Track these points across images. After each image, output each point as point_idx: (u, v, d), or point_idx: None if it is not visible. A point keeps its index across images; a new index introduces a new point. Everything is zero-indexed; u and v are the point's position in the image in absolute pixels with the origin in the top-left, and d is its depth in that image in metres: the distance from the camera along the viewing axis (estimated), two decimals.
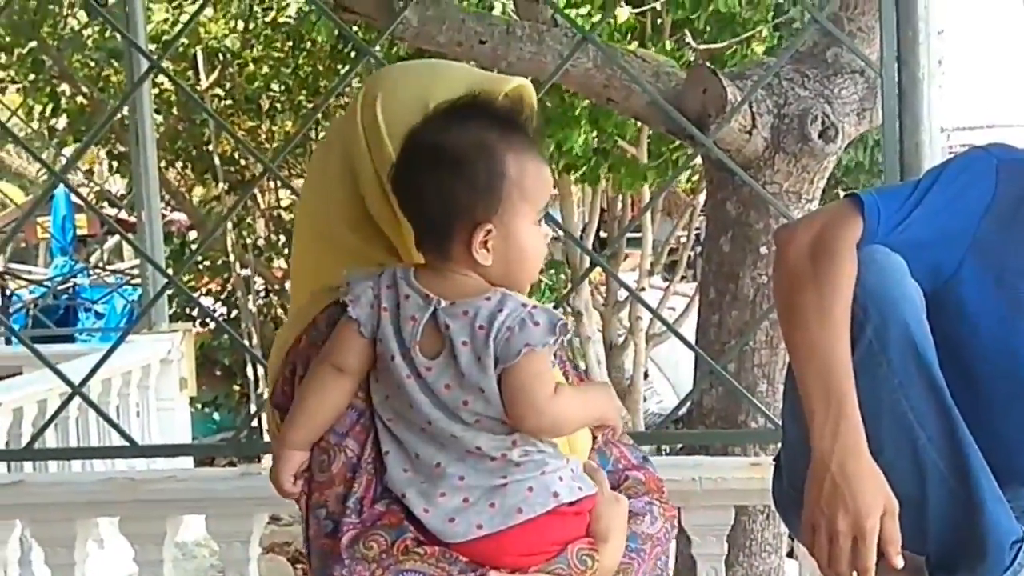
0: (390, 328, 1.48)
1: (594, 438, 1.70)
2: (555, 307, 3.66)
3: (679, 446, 4.44)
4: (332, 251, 1.60)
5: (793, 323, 1.80)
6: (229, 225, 9.08)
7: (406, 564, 1.44)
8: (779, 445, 2.08)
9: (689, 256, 9.12)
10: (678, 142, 5.75)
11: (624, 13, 5.95)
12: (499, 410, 1.46)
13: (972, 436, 1.76)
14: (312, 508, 1.52)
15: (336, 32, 7.53)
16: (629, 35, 6.07)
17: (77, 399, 3.34)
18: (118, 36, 7.08)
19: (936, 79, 2.84)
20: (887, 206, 1.83)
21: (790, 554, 3.90)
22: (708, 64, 3.78)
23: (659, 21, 6.32)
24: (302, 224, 1.71)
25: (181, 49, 8.94)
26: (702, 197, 6.89)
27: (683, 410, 3.99)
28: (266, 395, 1.78)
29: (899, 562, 1.70)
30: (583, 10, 5.88)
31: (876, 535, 1.68)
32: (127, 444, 3.32)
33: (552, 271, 7.43)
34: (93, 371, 3.24)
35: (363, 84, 1.67)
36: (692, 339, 3.91)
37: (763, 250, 3.70)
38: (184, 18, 8.26)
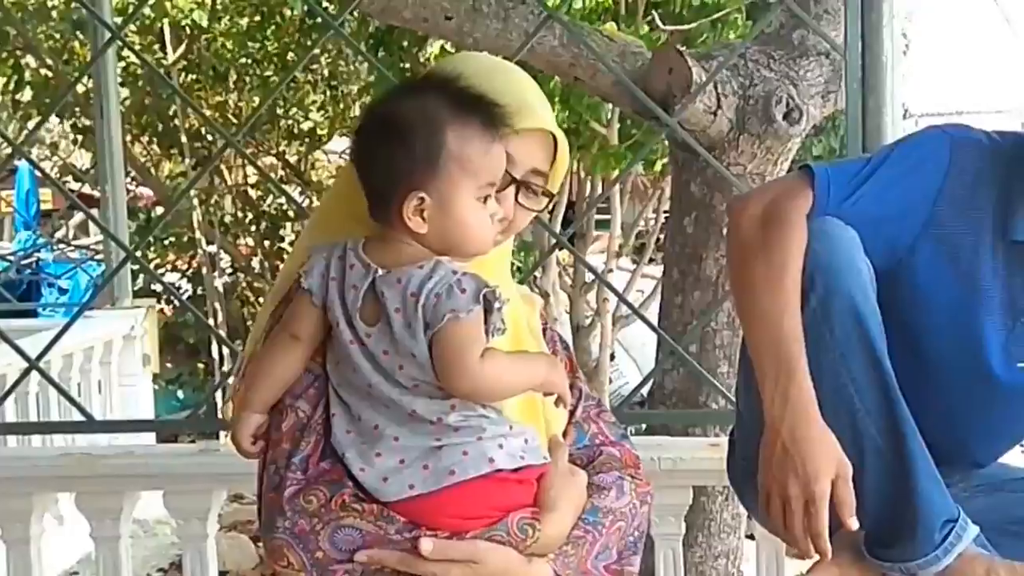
0: (336, 297, 1.54)
1: (572, 413, 1.73)
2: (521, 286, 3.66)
3: (642, 426, 4.45)
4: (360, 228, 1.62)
5: (744, 292, 1.82)
6: (196, 202, 9.02)
7: (345, 520, 1.50)
8: None
9: (658, 239, 9.12)
10: (649, 124, 5.74)
11: None
12: (431, 375, 1.50)
13: (921, 415, 1.77)
14: (266, 465, 1.58)
15: (304, 6, 7.47)
16: (603, 15, 6.05)
17: (38, 374, 3.31)
18: (83, 8, 6.98)
19: (900, 63, 2.85)
20: (838, 179, 1.84)
21: (750, 536, 3.92)
22: (675, 45, 3.77)
23: (630, 2, 6.30)
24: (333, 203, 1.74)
25: (148, 23, 8.85)
26: (671, 180, 6.89)
27: (645, 390, 4.00)
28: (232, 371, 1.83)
29: (854, 524, 1.72)
30: None
31: (827, 499, 1.70)
32: (85, 419, 3.30)
33: (522, 252, 7.42)
34: (50, 345, 3.21)
35: None
36: (655, 321, 3.91)
37: (726, 231, 3.70)
38: None
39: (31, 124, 9.52)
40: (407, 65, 7.32)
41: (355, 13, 3.37)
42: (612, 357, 8.43)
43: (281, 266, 1.84)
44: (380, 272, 1.51)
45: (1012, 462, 2.14)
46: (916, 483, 1.74)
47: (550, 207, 7.70)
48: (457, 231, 1.53)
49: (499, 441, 1.52)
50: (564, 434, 1.71)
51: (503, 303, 1.50)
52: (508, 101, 1.60)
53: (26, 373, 3.31)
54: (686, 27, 5.84)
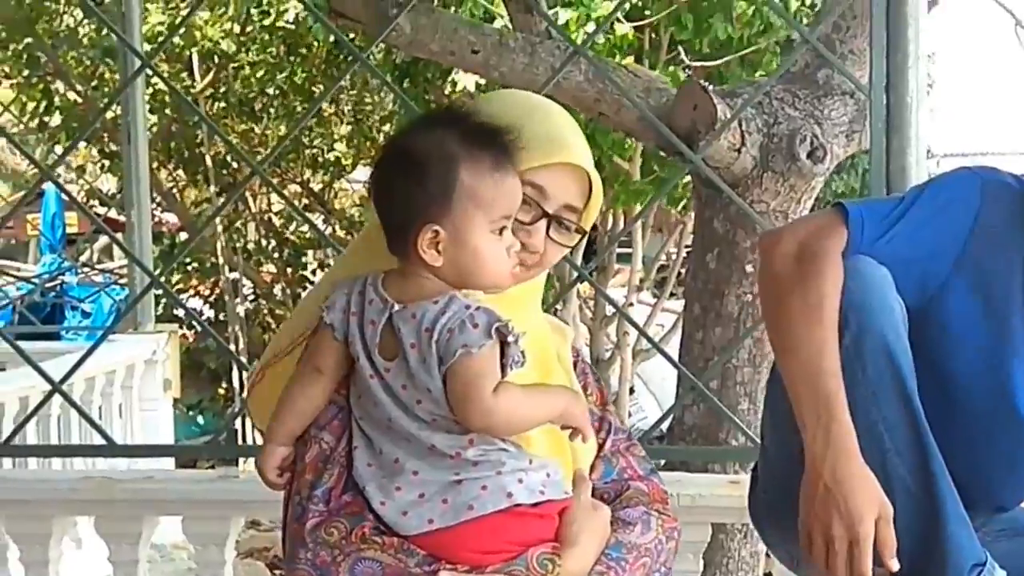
0: (356, 331, 1.56)
1: (600, 447, 1.72)
2: None
3: (661, 462, 4.44)
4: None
5: (780, 326, 1.80)
6: (219, 228, 9.07)
7: (366, 552, 1.50)
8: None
9: (679, 273, 9.12)
10: (672, 160, 5.76)
11: (623, 28, 5.96)
12: (447, 410, 1.51)
13: (946, 456, 1.76)
14: (291, 495, 1.60)
15: (331, 38, 7.53)
16: (627, 51, 6.08)
17: (60, 396, 3.33)
18: (113, 35, 7.06)
19: (925, 103, 2.85)
20: (871, 218, 1.83)
21: (767, 574, 3.90)
22: (700, 81, 3.78)
23: (654, 37, 6.33)
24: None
25: (177, 51, 8.94)
26: (694, 215, 6.90)
27: (665, 426, 3.99)
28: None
29: (894, 565, 1.70)
30: (589, 27, 5.89)
31: (871, 539, 1.68)
32: (105, 443, 3.31)
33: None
34: (74, 368, 3.23)
35: None
36: (676, 356, 3.91)
37: (749, 268, 3.70)
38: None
39: (58, 148, 9.61)
40: (432, 97, 7.37)
41: (381, 45, 3.40)
42: (631, 391, 8.42)
43: (304, 293, 1.86)
44: (396, 307, 1.53)
45: None
46: (945, 525, 1.72)
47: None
48: (472, 264, 1.54)
49: (519, 476, 1.53)
50: (592, 468, 1.71)
51: (517, 336, 1.51)
52: (542, 136, 1.62)
53: (49, 396, 3.33)
54: (712, 63, 5.86)
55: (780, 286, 1.81)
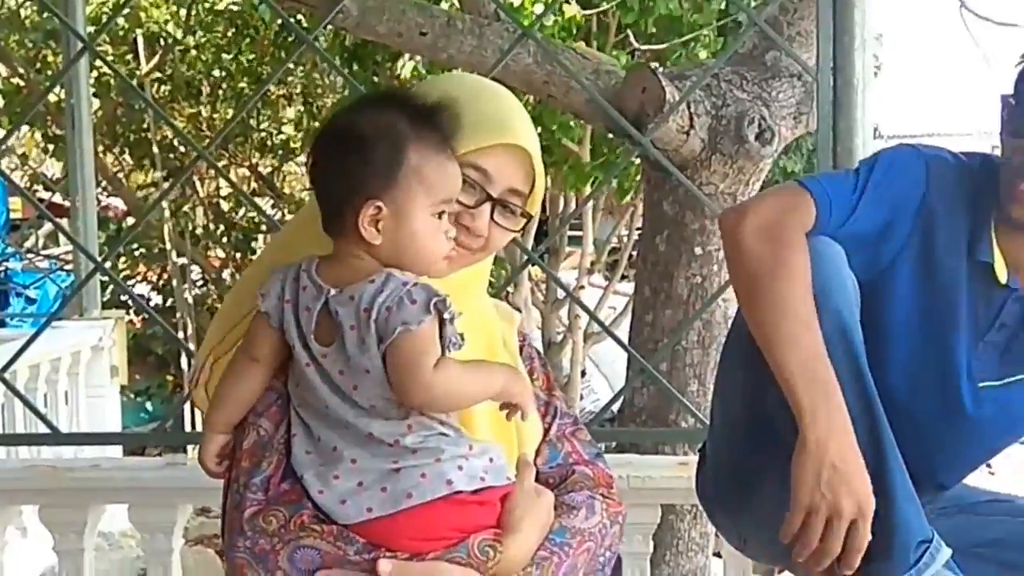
0: (292, 318, 1.54)
1: (546, 431, 1.72)
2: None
3: (611, 444, 4.45)
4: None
5: (767, 313, 1.79)
6: (167, 213, 8.98)
7: (305, 540, 1.49)
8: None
9: (630, 256, 9.15)
10: (622, 142, 5.77)
11: (572, 11, 5.96)
12: (387, 390, 1.50)
13: (894, 432, 1.77)
14: (229, 483, 1.59)
15: (278, 20, 7.46)
16: (575, 33, 6.07)
17: (2, 384, 3.28)
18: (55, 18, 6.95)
19: (872, 85, 2.87)
20: (837, 199, 1.85)
21: (716, 554, 3.92)
22: (649, 64, 3.79)
23: (604, 18, 6.33)
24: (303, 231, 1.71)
25: (122, 33, 8.82)
26: (644, 198, 6.92)
27: (615, 408, 4.01)
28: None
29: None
30: (538, 8, 5.88)
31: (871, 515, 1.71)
32: (50, 432, 3.27)
33: (494, 267, 7.41)
34: (17, 355, 3.18)
35: None
36: (627, 339, 3.92)
37: (698, 250, 3.72)
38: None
39: (1, 133, 9.46)
40: (380, 79, 7.33)
41: (329, 27, 3.36)
42: (583, 374, 8.44)
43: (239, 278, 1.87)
44: (333, 292, 1.51)
45: (977, 484, 2.16)
46: (894, 502, 1.74)
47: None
48: (410, 244, 1.53)
49: (459, 463, 1.51)
50: (537, 452, 1.71)
51: (454, 314, 1.50)
52: (487, 118, 1.61)
53: None
54: (658, 47, 5.87)
55: (755, 270, 1.81)
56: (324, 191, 1.57)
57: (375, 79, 7.26)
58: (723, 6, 6.45)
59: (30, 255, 11.31)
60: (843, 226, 1.83)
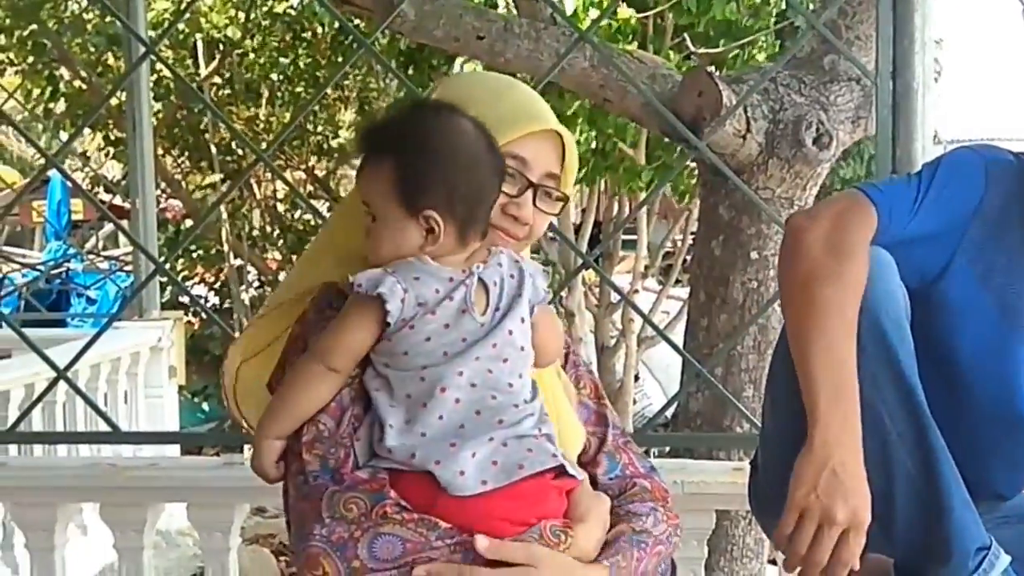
0: (431, 309, 1.56)
1: (602, 442, 1.76)
2: None
3: (665, 448, 4.44)
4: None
5: (809, 314, 1.78)
6: (224, 215, 9.07)
7: (384, 527, 1.49)
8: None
9: (684, 260, 9.11)
10: (676, 145, 5.75)
11: (627, 14, 5.95)
12: (527, 364, 1.59)
13: (949, 443, 1.75)
14: (292, 476, 1.59)
15: (336, 23, 7.52)
16: (631, 36, 6.06)
17: (65, 383, 3.33)
18: (118, 22, 7.06)
19: (932, 89, 2.84)
20: (898, 207, 1.84)
21: (772, 561, 3.90)
22: (705, 67, 3.77)
23: (660, 22, 6.31)
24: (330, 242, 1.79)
25: (182, 37, 8.92)
26: (699, 202, 6.89)
27: (669, 413, 3.99)
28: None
29: (858, 564, 1.71)
30: (594, 13, 5.88)
31: (865, 530, 1.69)
32: (111, 430, 3.32)
33: (547, 270, 7.43)
34: (78, 355, 3.23)
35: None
36: (681, 343, 3.90)
37: (754, 255, 3.70)
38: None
39: (63, 135, 9.61)
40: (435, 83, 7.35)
41: (386, 31, 3.38)
42: (636, 378, 8.42)
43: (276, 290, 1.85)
44: (479, 268, 1.59)
45: None
46: (949, 509, 1.72)
47: (564, 216, 7.57)
48: None
49: (552, 439, 1.57)
50: (596, 462, 1.75)
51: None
52: (518, 109, 1.69)
53: (54, 383, 3.33)
54: (715, 50, 5.84)
55: (814, 274, 1.80)
56: (468, 199, 1.65)
57: (431, 83, 7.29)
58: (780, 9, 6.41)
59: (91, 256, 11.48)
60: (901, 233, 1.82)
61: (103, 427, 3.47)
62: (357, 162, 1.68)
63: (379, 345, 1.57)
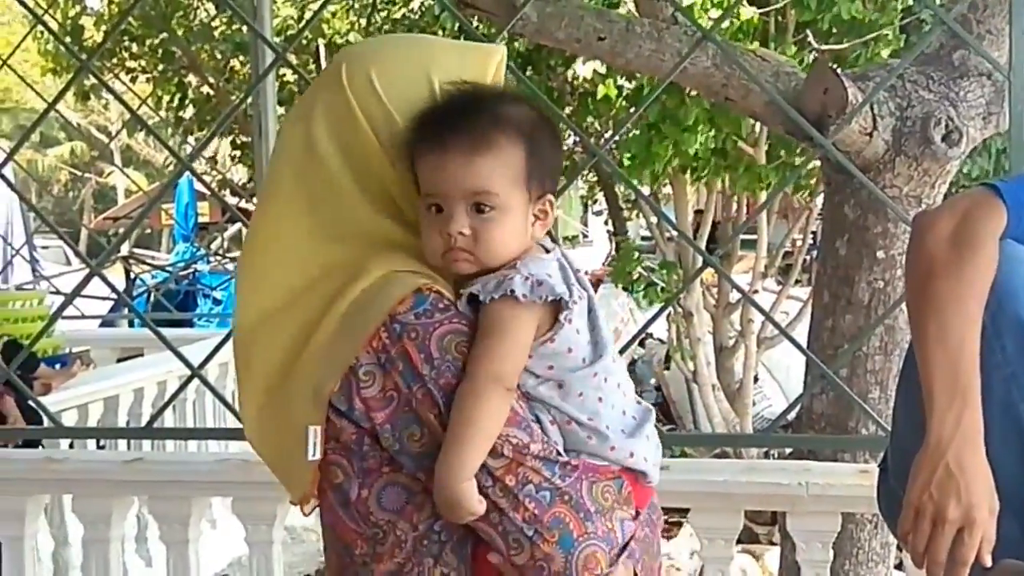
0: (575, 303, 1.56)
1: None
2: (665, 307, 3.65)
3: (788, 450, 4.38)
4: (357, 239, 1.58)
5: (928, 308, 1.76)
6: None
7: (626, 511, 1.56)
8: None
9: (804, 260, 8.98)
10: (797, 144, 5.67)
11: (748, 13, 5.89)
12: None
13: None
14: (521, 482, 1.50)
15: (457, 27, 7.59)
16: (752, 35, 6.00)
17: (194, 381, 3.43)
18: (244, 29, 7.23)
19: None
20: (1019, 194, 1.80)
21: (898, 566, 3.83)
22: (830, 64, 3.71)
23: (782, 20, 6.24)
24: (290, 225, 1.60)
25: (305, 43, 9.10)
26: (819, 200, 6.79)
27: (792, 414, 3.95)
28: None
29: (989, 561, 1.68)
30: (714, 12, 5.85)
31: (982, 529, 1.66)
32: (241, 426, 3.40)
33: (664, 271, 7.39)
34: (212, 354, 3.32)
35: (337, 61, 1.64)
36: (804, 344, 3.85)
37: (880, 254, 3.63)
38: (308, 15, 8.40)
39: (191, 139, 9.89)
40: (554, 84, 7.38)
41: (505, 32, 3.40)
42: (756, 379, 8.32)
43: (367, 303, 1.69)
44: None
45: None
46: None
47: (696, 226, 7.54)
48: None
49: None
50: None
51: None
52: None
53: (188, 380, 3.43)
54: (838, 47, 5.75)
55: (933, 267, 1.78)
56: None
57: (549, 83, 7.32)
58: (906, 5, 6.28)
59: (217, 257, 11.76)
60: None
61: (232, 423, 3.55)
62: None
63: (541, 348, 1.54)
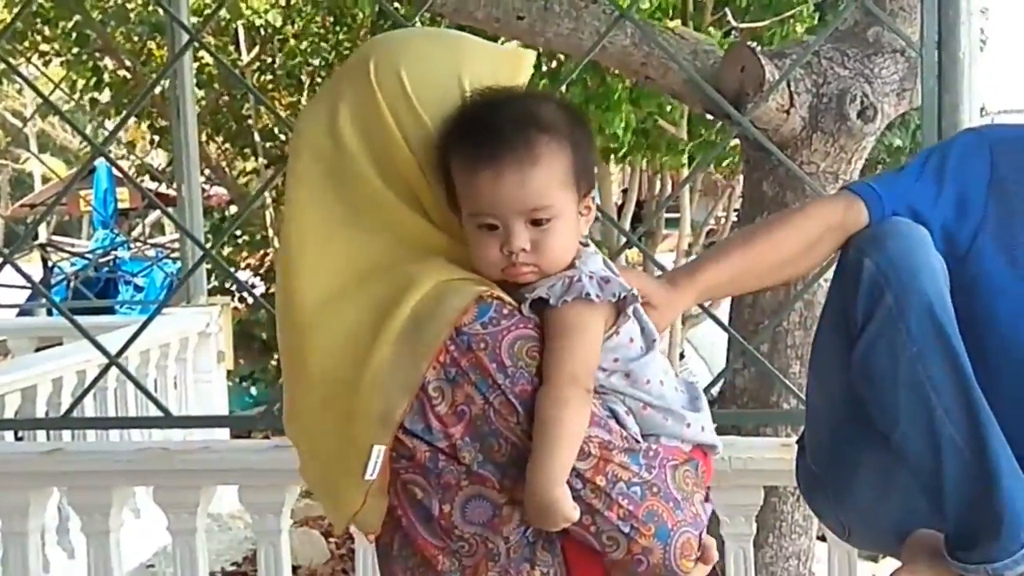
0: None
1: None
2: None
3: (713, 426, 4.43)
4: (391, 238, 1.54)
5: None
6: (268, 200, 9.14)
7: (702, 492, 1.55)
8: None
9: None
10: (720, 122, 5.72)
11: None
12: None
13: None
14: (611, 480, 1.48)
15: (376, 7, 7.54)
16: (671, 13, 6.04)
17: (115, 370, 3.38)
18: (160, 10, 7.12)
19: (977, 59, 2.81)
20: (881, 184, 1.88)
21: (821, 537, 3.89)
22: (747, 42, 3.75)
23: None
24: (323, 215, 1.56)
25: (223, 24, 8.98)
26: (743, 178, 6.87)
27: (715, 390, 3.98)
28: None
29: None
30: None
31: None
32: (162, 415, 3.36)
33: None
34: (129, 342, 3.27)
35: (365, 54, 1.58)
36: (727, 321, 3.89)
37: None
38: None
39: (108, 124, 9.71)
40: None
41: (426, 13, 3.38)
42: (681, 356, 8.40)
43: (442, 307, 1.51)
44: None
45: None
46: (999, 482, 1.71)
47: (606, 195, 7.53)
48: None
49: None
50: None
51: None
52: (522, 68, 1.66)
53: (106, 369, 3.38)
54: (756, 24, 5.81)
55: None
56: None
57: None
58: None
59: (138, 244, 11.59)
60: (899, 208, 1.84)
61: (154, 412, 3.51)
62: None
63: (607, 342, 1.53)
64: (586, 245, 1.58)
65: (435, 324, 1.47)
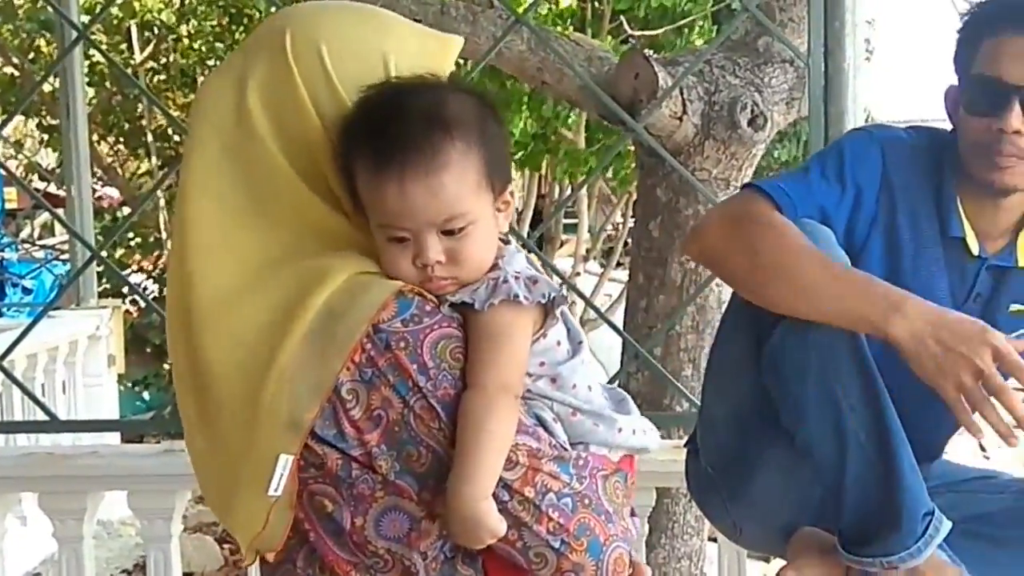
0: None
1: None
2: None
3: None
4: (298, 227, 1.42)
5: (774, 276, 1.78)
6: (161, 202, 8.99)
7: (630, 503, 1.47)
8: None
9: (625, 243, 9.18)
10: (616, 128, 5.79)
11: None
12: None
13: None
14: (541, 491, 1.39)
15: (272, 8, 7.46)
16: (569, 20, 6.09)
17: (1, 373, 3.30)
18: (49, 7, 6.96)
19: (863, 70, 2.89)
20: (790, 186, 1.89)
21: (712, 538, 3.95)
22: (641, 50, 3.80)
23: (599, 6, 6.35)
24: (218, 206, 1.42)
25: (115, 22, 8.82)
26: (636, 184, 6.95)
27: None
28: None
29: None
30: None
31: (1004, 344, 1.68)
32: (49, 419, 3.29)
33: None
34: (14, 345, 3.20)
35: (280, 25, 1.44)
36: (622, 325, 3.93)
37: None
38: None
39: None
40: None
41: None
42: None
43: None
44: None
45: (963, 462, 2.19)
46: (901, 477, 1.75)
47: (519, 210, 7.57)
48: None
49: None
50: None
51: None
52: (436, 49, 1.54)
53: None
54: (652, 33, 5.88)
55: (730, 247, 1.84)
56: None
57: None
58: None
59: (26, 245, 11.32)
60: (805, 208, 1.87)
61: (41, 416, 3.43)
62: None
63: (534, 345, 1.43)
64: (507, 243, 1.48)
65: (350, 320, 1.35)
